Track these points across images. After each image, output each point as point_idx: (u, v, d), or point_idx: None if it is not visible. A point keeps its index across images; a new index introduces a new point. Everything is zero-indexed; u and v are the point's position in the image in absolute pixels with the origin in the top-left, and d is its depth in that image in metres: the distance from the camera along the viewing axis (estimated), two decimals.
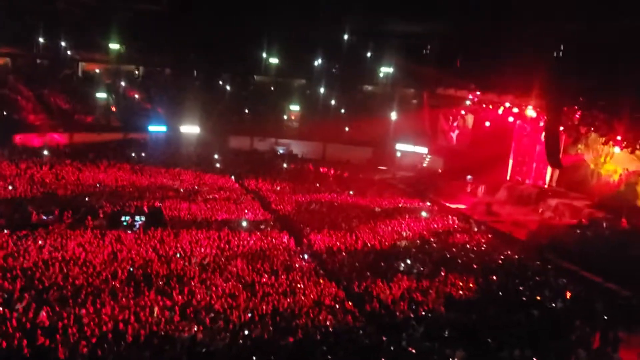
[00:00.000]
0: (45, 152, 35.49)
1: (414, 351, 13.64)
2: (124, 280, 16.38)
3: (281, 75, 50.97)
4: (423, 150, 45.05)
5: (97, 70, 47.89)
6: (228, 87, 49.94)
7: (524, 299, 18.24)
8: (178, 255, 19.31)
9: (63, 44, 46.33)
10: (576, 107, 28.76)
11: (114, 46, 46.76)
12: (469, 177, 37.23)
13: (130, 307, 14.41)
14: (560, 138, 30.46)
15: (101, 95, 45.00)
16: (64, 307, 14.11)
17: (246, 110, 48.26)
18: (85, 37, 45.13)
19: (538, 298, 18.32)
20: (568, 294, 18.95)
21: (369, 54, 49.85)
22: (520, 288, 19.15)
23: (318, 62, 50.23)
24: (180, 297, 15.61)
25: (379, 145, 45.86)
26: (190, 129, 44.04)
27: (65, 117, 41.67)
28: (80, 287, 15.44)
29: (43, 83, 43.35)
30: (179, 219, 24.42)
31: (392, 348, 13.77)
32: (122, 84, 47.28)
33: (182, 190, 30.47)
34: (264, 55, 49.96)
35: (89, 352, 11.95)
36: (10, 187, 26.71)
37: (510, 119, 35.80)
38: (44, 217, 22.46)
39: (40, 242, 19.19)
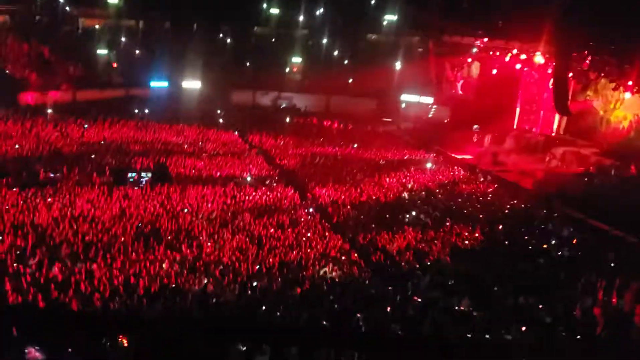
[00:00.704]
0: (49, 111, 35.34)
1: (419, 300, 13.85)
2: (133, 236, 16.55)
3: (282, 27, 49.85)
4: (428, 100, 44.52)
5: (97, 26, 47.12)
6: (229, 40, 49.11)
7: (530, 248, 18.38)
8: (185, 210, 19.45)
9: (62, 0, 45.48)
10: (586, 52, 28.18)
11: (113, 1, 45.84)
12: (475, 126, 36.94)
13: (140, 262, 14.62)
14: (568, 84, 29.98)
15: (102, 51, 44.43)
16: (76, 262, 14.33)
17: (247, 64, 47.58)
18: None
19: (544, 247, 18.45)
20: (574, 242, 19.07)
21: (372, 2, 48.64)
22: (527, 237, 19.26)
23: (320, 11, 49.09)
24: (189, 251, 15.81)
25: (384, 96, 45.27)
26: (192, 84, 43.62)
27: (66, 75, 41.29)
28: (90, 243, 15.62)
29: (43, 40, 42.75)
30: (185, 174, 24.48)
31: (397, 298, 13.98)
32: (123, 39, 46.59)
33: (186, 146, 30.44)
34: (264, 5, 48.84)
35: (102, 305, 12.20)
36: (17, 146, 26.73)
37: (518, 66, 35.23)
38: (51, 175, 22.54)
39: (49, 199, 19.33)
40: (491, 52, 36.82)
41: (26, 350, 4.95)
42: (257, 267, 15.17)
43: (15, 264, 13.70)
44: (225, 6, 44.81)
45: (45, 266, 13.77)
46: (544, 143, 32.67)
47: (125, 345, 7.40)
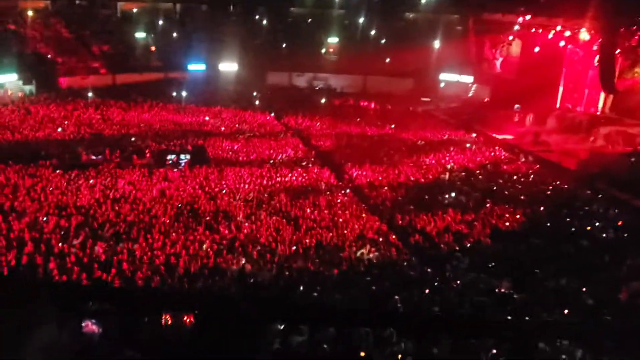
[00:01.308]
0: (90, 94, 36.07)
1: (458, 282, 13.66)
2: (172, 216, 16.80)
3: (318, 6, 49.47)
4: (468, 79, 43.60)
5: (135, 10, 47.66)
6: (264, 22, 49.01)
7: (573, 229, 17.90)
8: (223, 191, 19.63)
9: None
10: (635, 27, 27.01)
11: None
12: (516, 106, 36.03)
13: (180, 242, 14.84)
14: (615, 61, 28.86)
15: (140, 35, 44.98)
16: (118, 242, 14.64)
17: (283, 45, 47.44)
18: None
19: (588, 228, 17.94)
20: (619, 224, 18.49)
21: None
22: (569, 218, 18.76)
23: None
24: (227, 231, 15.96)
25: (422, 75, 44.52)
26: (229, 67, 43.82)
27: (106, 58, 42.01)
28: (132, 224, 15.93)
29: (83, 25, 43.55)
30: (222, 156, 24.69)
31: (436, 280, 13.81)
32: (160, 22, 47.03)
33: (223, 128, 30.66)
34: None
35: (144, 283, 12.43)
36: (59, 129, 27.40)
37: (561, 43, 34.11)
38: (93, 157, 23.06)
39: (91, 181, 19.77)
40: (533, 30, 35.73)
41: (83, 324, 5.06)
42: (294, 247, 15.21)
43: (60, 244, 14.07)
44: None
45: (89, 246, 14.11)
46: (588, 122, 31.62)
47: (169, 322, 7.53)
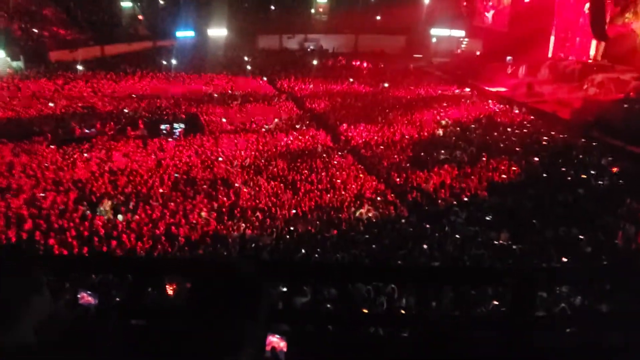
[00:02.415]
0: (80, 67, 35.64)
1: (457, 236, 13.82)
2: (170, 186, 16.85)
3: None
4: (460, 33, 43.10)
5: None
6: None
7: (569, 178, 18.02)
8: (220, 159, 19.63)
9: None
10: None
11: None
12: (508, 58, 35.75)
13: (179, 211, 14.92)
14: (605, 7, 28.51)
15: (126, 4, 44.15)
16: (117, 214, 14.72)
17: (272, 8, 46.67)
18: None
19: (583, 177, 18.06)
20: (614, 171, 18.61)
21: None
22: (565, 168, 18.86)
23: None
24: (225, 199, 16.03)
25: (413, 32, 44.03)
26: (218, 32, 43.18)
27: (94, 30, 41.33)
28: (130, 195, 15.99)
29: None
30: (216, 123, 24.59)
31: (435, 235, 13.98)
32: None
33: (216, 95, 30.43)
34: None
35: (146, 254, 12.56)
36: (51, 104, 27.17)
37: None
38: (87, 131, 22.96)
39: (86, 155, 19.74)
40: None
41: (79, 295, 5.14)
42: (293, 211, 15.32)
43: (59, 219, 14.14)
44: None
45: (88, 219, 14.19)
46: (581, 71, 31.41)
47: (170, 290, 7.65)
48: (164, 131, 23.08)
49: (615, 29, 31.24)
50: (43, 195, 15.65)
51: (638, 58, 30.47)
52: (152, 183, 17.01)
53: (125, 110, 26.31)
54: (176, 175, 17.92)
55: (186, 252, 12.88)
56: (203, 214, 14.95)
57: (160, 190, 16.48)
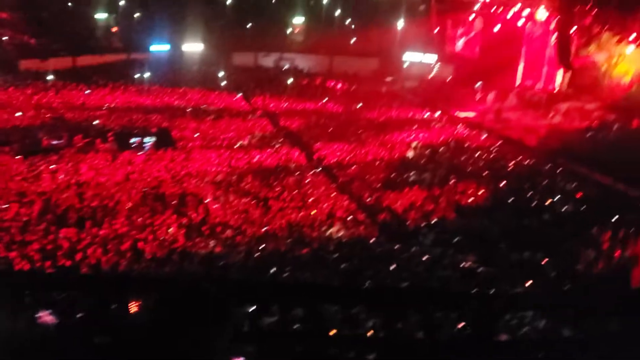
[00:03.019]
0: (50, 77, 35.08)
1: (425, 258, 13.96)
2: (138, 201, 16.64)
3: None
4: (431, 58, 43.89)
5: None
6: (229, 1, 48.25)
7: (534, 203, 18.40)
8: (190, 174, 19.48)
9: None
10: (589, 6, 27.62)
11: None
12: (478, 84, 36.54)
13: (146, 227, 14.72)
14: (571, 40, 29.50)
15: (101, 15, 43.76)
16: (82, 228, 14.44)
17: (249, 25, 46.85)
18: None
19: (548, 202, 18.46)
20: (578, 197, 19.07)
21: None
22: (530, 193, 19.26)
23: None
24: (195, 214, 15.89)
25: (387, 55, 44.64)
26: (193, 47, 43.07)
27: (66, 40, 40.79)
28: (96, 209, 15.72)
29: (41, 5, 42.10)
30: (188, 138, 24.43)
31: (404, 255, 14.09)
32: (122, 3, 45.80)
33: (189, 109, 30.26)
34: None
35: (111, 270, 12.34)
36: (18, 114, 26.62)
37: (520, 22, 34.56)
38: (54, 142, 22.54)
39: (52, 166, 19.37)
40: (494, 8, 36.10)
41: (37, 315, 5.01)
42: (264, 229, 15.27)
43: (21, 232, 13.80)
44: None
45: (52, 233, 13.89)
46: (547, 99, 32.29)
47: (135, 308, 7.52)
48: (134, 145, 22.83)
49: (580, 60, 32.31)
50: (6, 206, 15.28)
51: (601, 89, 31.52)
52: (120, 197, 16.78)
53: (95, 123, 25.94)
54: (145, 189, 17.70)
55: (152, 269, 12.71)
56: (171, 230, 14.78)
57: (128, 205, 16.25)
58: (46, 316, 5.25)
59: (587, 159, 22.75)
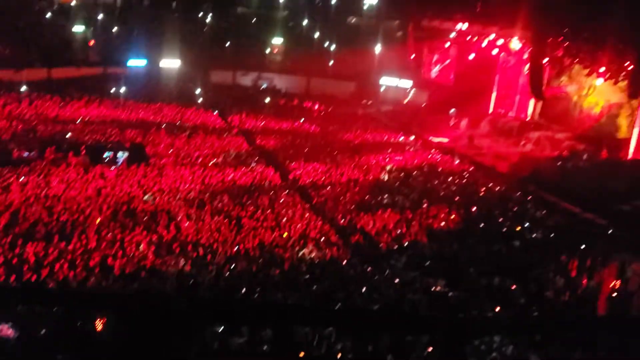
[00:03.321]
0: (23, 88, 34.58)
1: (397, 281, 14.02)
2: (109, 216, 16.41)
3: (263, 7, 49.47)
4: (407, 84, 44.56)
5: (73, 3, 46.02)
6: (208, 19, 48.45)
7: (505, 230, 18.66)
8: (162, 190, 19.29)
9: None
10: (561, 38, 28.47)
11: None
12: (452, 110, 37.18)
13: (116, 243, 14.51)
14: (543, 70, 30.31)
15: (78, 28, 43.45)
16: (50, 243, 14.16)
17: (227, 44, 47.04)
18: None
19: (518, 229, 18.75)
20: (547, 225, 19.42)
21: None
22: (501, 219, 19.54)
23: None
24: (166, 232, 15.72)
25: (363, 79, 45.22)
26: (171, 63, 42.95)
27: (42, 52, 40.33)
28: (65, 223, 15.45)
29: (17, 16, 41.65)
30: (162, 154, 24.24)
31: (375, 278, 14.13)
32: (100, 17, 45.60)
33: (164, 125, 30.08)
34: None
35: (78, 286, 12.10)
36: None
37: (495, 51, 35.40)
38: (25, 154, 22.16)
39: (22, 178, 19.01)
40: (469, 37, 36.93)
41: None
42: (236, 248, 15.17)
43: None
44: None
45: (19, 246, 13.59)
46: (519, 127, 33.02)
47: (101, 325, 7.39)
48: (107, 159, 22.58)
49: (552, 90, 33.21)
50: None
51: (572, 119, 32.39)
52: (90, 212, 16.52)
53: (68, 136, 25.61)
54: (115, 205, 17.47)
55: (120, 285, 12.50)
56: (141, 246, 14.59)
57: (98, 220, 16.02)
58: (6, 330, 5.14)
59: (557, 187, 23.26)
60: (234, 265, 14.15)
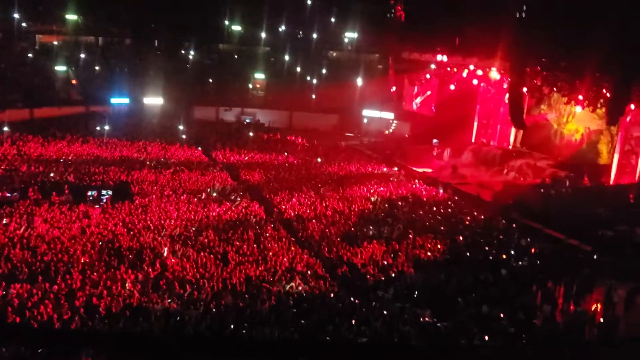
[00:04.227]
0: (5, 128, 34.43)
1: (385, 312, 13.98)
2: (93, 255, 16.25)
3: (244, 43, 50.16)
4: (389, 115, 45.17)
5: (55, 43, 46.30)
6: (191, 57, 48.94)
7: (491, 258, 18.75)
8: (148, 228, 19.18)
9: (17, 16, 44.49)
10: (539, 67, 29.13)
11: (71, 17, 45.24)
12: (434, 140, 37.66)
13: (101, 282, 14.35)
14: (523, 99, 30.91)
15: (60, 68, 43.62)
16: (34, 284, 13.97)
17: (210, 80, 47.47)
18: (40, 8, 43.50)
19: (504, 257, 18.85)
20: (533, 252, 19.56)
21: (332, 19, 49.30)
22: (487, 248, 19.65)
23: (282, 28, 49.51)
24: (151, 269, 15.59)
25: (346, 112, 45.80)
26: (154, 100, 43.17)
27: (24, 92, 40.33)
28: (49, 264, 15.27)
29: None
30: (147, 191, 24.15)
31: (363, 310, 14.09)
32: (82, 56, 45.85)
33: (148, 162, 30.05)
34: (226, 22, 48.98)
35: (63, 326, 11.91)
36: None
37: (475, 81, 36.11)
38: (8, 195, 21.98)
39: (5, 220, 18.81)
40: (449, 69, 37.68)
41: None
42: (222, 284, 15.06)
43: None
44: (187, 22, 44.83)
45: (2, 288, 13.38)
46: (501, 156, 33.49)
47: None
48: (91, 198, 22.46)
49: (533, 118, 33.84)
50: None
51: (552, 146, 32.95)
52: (75, 251, 16.36)
53: (51, 175, 25.46)
54: (100, 244, 17.33)
55: (106, 325, 12.33)
56: (127, 285, 14.45)
57: (83, 259, 15.85)
58: None
59: (540, 214, 23.50)
60: (221, 301, 14.03)
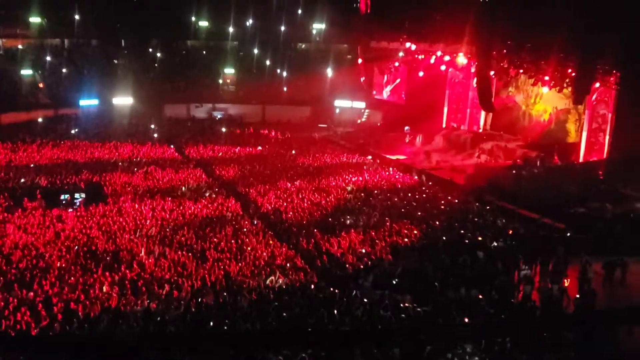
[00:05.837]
0: None
1: (365, 300, 14.11)
2: (69, 260, 16.06)
3: (212, 39, 49.77)
4: (361, 105, 45.37)
5: (20, 46, 45.24)
6: (158, 55, 48.34)
7: (467, 241, 19.00)
8: (123, 229, 18.99)
9: None
10: (505, 50, 29.48)
11: (35, 20, 44.30)
12: (406, 127, 37.96)
13: (79, 286, 14.20)
14: (491, 82, 31.26)
15: (26, 72, 42.68)
16: (10, 291, 13.76)
17: (179, 78, 47.02)
18: (3, 12, 42.51)
19: (480, 239, 19.11)
20: (508, 233, 19.87)
21: (300, 11, 49.14)
22: (462, 231, 19.90)
23: (249, 22, 49.18)
24: (128, 271, 15.47)
25: (318, 103, 45.84)
26: (123, 101, 42.61)
27: None
28: (25, 270, 15.05)
29: None
30: (120, 192, 23.86)
31: (344, 299, 14.20)
32: (48, 59, 44.91)
33: (120, 163, 29.68)
34: (193, 18, 48.49)
35: (40, 334, 11.78)
36: None
37: (443, 67, 36.40)
38: None
39: None
40: (417, 56, 37.91)
41: None
42: (201, 281, 15.02)
43: None
44: (153, 20, 44.27)
45: None
46: (472, 139, 33.88)
47: None
48: (64, 201, 22.14)
49: (501, 101, 34.30)
50: None
51: (521, 127, 33.47)
52: (50, 257, 16.14)
53: (22, 180, 25.00)
54: (76, 247, 17.12)
55: (85, 330, 12.23)
56: (105, 288, 14.32)
57: (59, 264, 15.65)
58: None
59: (513, 194, 23.87)
60: (200, 298, 14.01)
